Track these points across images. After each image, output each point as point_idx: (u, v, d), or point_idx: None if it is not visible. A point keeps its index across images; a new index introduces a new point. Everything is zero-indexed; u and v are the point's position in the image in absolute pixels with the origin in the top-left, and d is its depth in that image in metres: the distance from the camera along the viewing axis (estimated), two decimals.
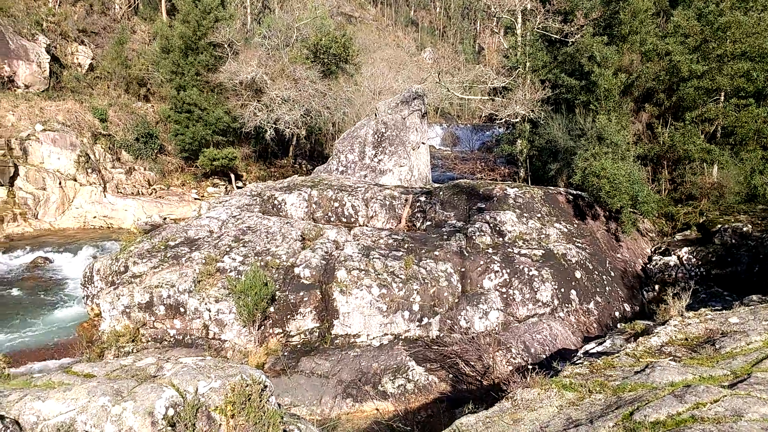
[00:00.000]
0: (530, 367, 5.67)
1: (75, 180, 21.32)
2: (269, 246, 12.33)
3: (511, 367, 9.89)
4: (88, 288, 12.39)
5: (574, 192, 14.68)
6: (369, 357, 10.36)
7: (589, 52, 17.54)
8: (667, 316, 6.74)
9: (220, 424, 4.31)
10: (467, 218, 13.48)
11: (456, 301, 11.15)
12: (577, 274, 11.88)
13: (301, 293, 11.07)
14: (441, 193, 14.55)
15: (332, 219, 14.65)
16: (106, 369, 4.81)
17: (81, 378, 4.71)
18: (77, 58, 26.72)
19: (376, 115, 19.02)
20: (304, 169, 28.25)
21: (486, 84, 22.06)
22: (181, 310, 10.86)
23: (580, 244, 12.80)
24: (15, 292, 14.19)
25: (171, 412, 4.26)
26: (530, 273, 11.46)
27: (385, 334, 10.85)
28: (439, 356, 10.33)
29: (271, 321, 10.95)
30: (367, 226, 14.18)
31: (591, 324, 11.44)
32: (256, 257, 11.86)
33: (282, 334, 11.00)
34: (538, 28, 20.51)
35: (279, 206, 14.87)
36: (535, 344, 10.36)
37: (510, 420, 4.07)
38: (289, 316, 11.01)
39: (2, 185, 19.80)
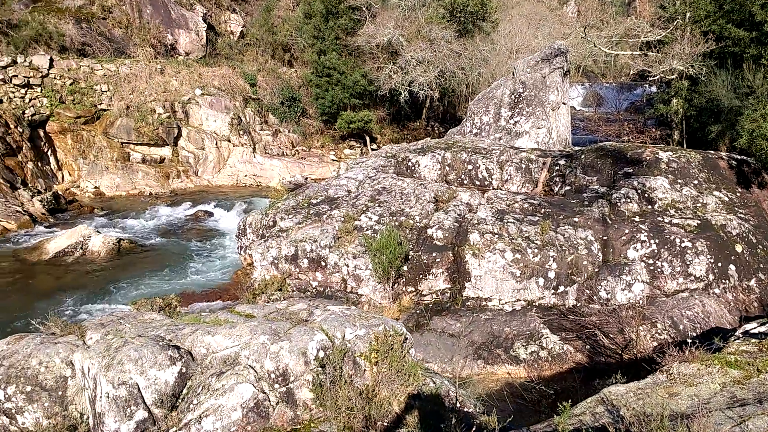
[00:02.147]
0: (689, 341, 5.29)
1: (229, 141, 23.29)
2: (403, 207, 12.58)
3: (655, 343, 9.31)
4: (241, 239, 13.60)
5: (739, 157, 13.13)
6: (500, 321, 10.29)
7: None
8: None
9: (365, 370, 4.57)
10: (611, 183, 12.67)
11: (596, 270, 10.64)
12: (738, 248, 10.73)
13: (434, 254, 11.21)
14: (582, 156, 13.78)
15: (465, 182, 14.53)
16: (264, 311, 5.29)
17: (243, 317, 5.23)
18: (230, 26, 28.76)
19: (513, 75, 18.33)
20: (437, 131, 28.20)
21: (638, 38, 20.22)
22: (322, 264, 11.51)
23: (742, 215, 11.50)
24: (180, 241, 16.00)
25: (321, 354, 4.61)
26: (682, 245, 10.56)
27: (518, 300, 10.69)
28: (575, 326, 9.99)
29: (404, 279, 11.25)
30: (501, 189, 13.90)
31: (751, 303, 10.34)
32: (390, 217, 12.17)
33: (414, 293, 11.27)
34: None
35: (412, 168, 15.04)
36: (684, 321, 9.62)
37: (665, 393, 3.85)
38: (421, 276, 11.22)
39: (168, 145, 22.18)
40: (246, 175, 23.17)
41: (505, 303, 10.66)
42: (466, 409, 4.81)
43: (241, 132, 23.58)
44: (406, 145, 16.95)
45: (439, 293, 11.13)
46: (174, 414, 4.52)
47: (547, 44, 20.70)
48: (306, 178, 22.50)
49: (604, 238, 10.95)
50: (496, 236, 11.06)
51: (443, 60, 23.76)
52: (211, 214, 18.44)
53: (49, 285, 12.53)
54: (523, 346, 9.73)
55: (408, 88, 23.69)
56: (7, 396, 5.25)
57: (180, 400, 4.62)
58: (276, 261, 11.83)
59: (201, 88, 23.48)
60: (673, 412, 3.60)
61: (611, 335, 9.51)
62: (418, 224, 11.90)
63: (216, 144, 22.93)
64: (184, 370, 4.76)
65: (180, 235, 16.42)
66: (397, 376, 4.33)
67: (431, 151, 15.24)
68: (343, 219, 12.41)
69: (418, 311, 10.89)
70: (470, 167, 14.53)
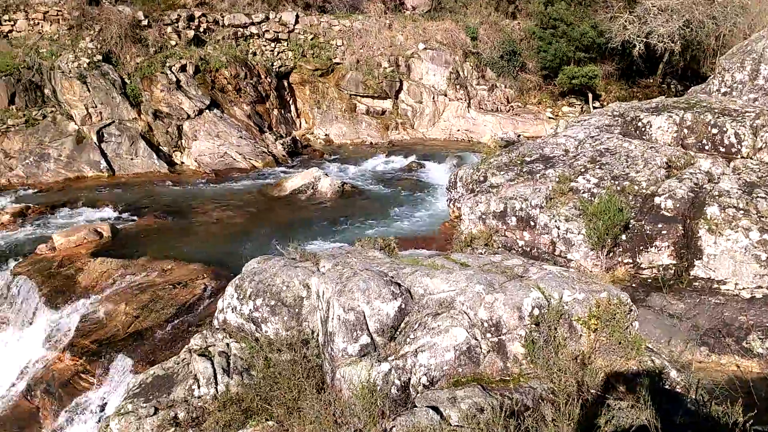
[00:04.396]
0: None
1: (445, 95, 23.69)
2: (628, 171, 11.62)
3: None
4: (451, 192, 13.93)
5: None
6: (734, 308, 9.10)
7: None
8: None
9: (581, 335, 4.42)
10: None
11: None
12: None
13: (659, 225, 10.24)
14: None
15: (706, 147, 12.79)
16: (479, 262, 5.40)
17: (459, 265, 5.41)
18: None
19: None
20: (673, 90, 25.14)
21: None
22: (531, 223, 11.27)
23: None
24: (395, 189, 17.00)
25: (536, 311, 4.57)
26: None
27: (759, 287, 9.32)
28: None
29: (621, 249, 10.50)
30: (752, 158, 11.97)
31: None
32: (612, 181, 11.35)
33: (631, 265, 10.49)
34: None
35: (642, 129, 13.69)
36: None
37: None
38: (641, 248, 10.37)
39: (389, 98, 23.37)
40: (458, 130, 23.43)
41: (743, 288, 9.38)
42: (691, 395, 4.39)
43: (458, 86, 23.74)
44: (637, 104, 15.43)
45: (661, 268, 10.18)
46: (392, 344, 4.92)
47: None
48: (519, 136, 21.93)
49: None
50: (741, 212, 9.67)
51: (690, 8, 20.80)
52: (423, 166, 19.18)
53: (286, 217, 14.38)
54: (760, 338, 8.49)
55: (644, 40, 21.35)
56: (255, 306, 6.23)
57: (398, 333, 5.01)
58: (484, 216, 11.89)
59: (424, 43, 24.07)
60: None
61: None
62: (643, 191, 10.91)
63: (433, 98, 23.50)
64: (403, 306, 5.13)
65: (394, 184, 17.43)
66: (617, 347, 4.10)
67: (667, 110, 13.65)
68: (557, 179, 11.89)
69: (634, 285, 10.13)
70: (715, 131, 12.70)
